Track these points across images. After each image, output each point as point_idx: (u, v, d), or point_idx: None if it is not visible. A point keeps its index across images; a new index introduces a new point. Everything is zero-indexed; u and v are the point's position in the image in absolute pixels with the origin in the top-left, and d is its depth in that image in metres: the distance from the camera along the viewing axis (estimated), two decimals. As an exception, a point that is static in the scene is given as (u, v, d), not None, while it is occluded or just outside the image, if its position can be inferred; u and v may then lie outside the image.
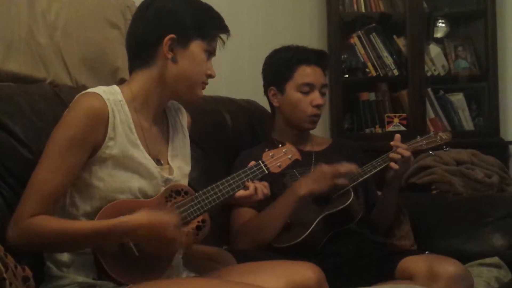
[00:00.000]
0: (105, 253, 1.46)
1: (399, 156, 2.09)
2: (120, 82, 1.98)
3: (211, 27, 1.60)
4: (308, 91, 2.20)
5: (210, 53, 1.61)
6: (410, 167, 2.15)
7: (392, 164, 2.10)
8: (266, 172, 1.69)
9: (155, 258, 1.51)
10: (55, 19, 2.05)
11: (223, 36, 1.63)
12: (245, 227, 2.06)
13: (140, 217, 1.43)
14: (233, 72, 2.83)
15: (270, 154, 1.72)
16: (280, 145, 1.76)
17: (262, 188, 1.66)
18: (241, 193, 1.64)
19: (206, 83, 1.63)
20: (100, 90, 1.53)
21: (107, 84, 1.61)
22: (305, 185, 2.01)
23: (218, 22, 1.62)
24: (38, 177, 1.46)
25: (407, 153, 2.09)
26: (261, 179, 1.69)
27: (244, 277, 1.52)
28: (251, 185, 1.64)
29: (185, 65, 1.57)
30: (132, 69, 1.63)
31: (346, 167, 2.02)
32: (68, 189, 1.50)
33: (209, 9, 1.62)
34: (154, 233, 1.43)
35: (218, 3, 1.69)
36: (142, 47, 1.59)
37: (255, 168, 1.67)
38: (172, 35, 1.55)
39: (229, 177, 1.63)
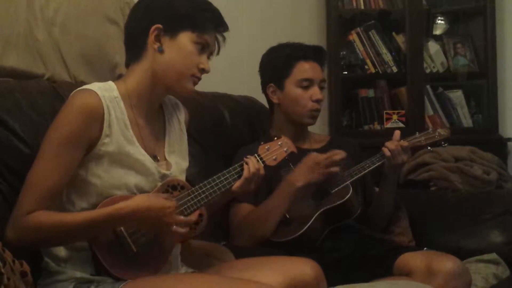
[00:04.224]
0: (103, 248, 1.46)
1: (393, 146, 2.10)
2: (119, 78, 1.98)
3: (201, 19, 1.58)
4: (307, 86, 2.21)
5: (203, 46, 1.59)
6: (406, 160, 2.15)
7: (384, 150, 2.11)
8: (262, 165, 1.68)
9: (153, 254, 1.51)
10: (53, 15, 2.04)
11: (219, 29, 1.62)
12: (244, 221, 2.07)
13: (138, 201, 1.45)
14: (232, 69, 2.83)
15: (266, 147, 1.72)
16: (275, 138, 1.75)
17: (253, 162, 1.66)
18: (237, 183, 1.63)
19: (198, 77, 1.60)
20: (95, 87, 1.53)
21: (106, 80, 1.61)
22: (301, 176, 2.02)
23: (210, 14, 1.60)
24: (34, 176, 1.46)
25: (398, 146, 2.10)
26: None
27: (243, 273, 1.52)
28: (245, 167, 1.64)
29: (172, 56, 1.56)
30: (127, 63, 1.63)
31: (338, 154, 2.02)
32: (65, 186, 1.50)
33: (202, 1, 1.61)
34: (152, 217, 1.44)
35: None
36: (133, 39, 1.60)
37: None
38: (158, 25, 1.55)
39: (225, 171, 1.63)
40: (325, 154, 2.03)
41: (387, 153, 2.11)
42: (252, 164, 1.65)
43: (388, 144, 2.13)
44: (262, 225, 2.03)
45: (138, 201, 1.45)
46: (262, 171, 1.68)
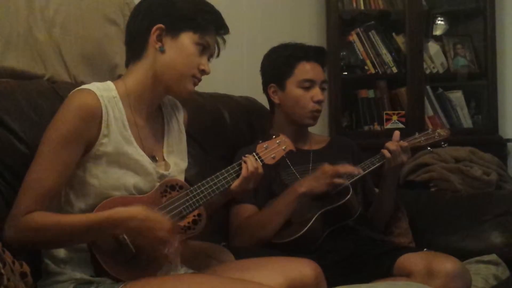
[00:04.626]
0: (102, 250, 1.46)
1: (394, 147, 2.10)
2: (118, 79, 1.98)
3: (204, 20, 1.58)
4: (308, 87, 2.21)
5: (204, 47, 1.59)
6: (405, 161, 2.15)
7: (385, 151, 2.11)
8: (260, 164, 1.68)
9: (152, 255, 1.51)
10: (53, 15, 2.05)
11: (220, 32, 1.62)
12: (245, 224, 2.07)
13: (135, 209, 1.44)
14: (232, 69, 2.83)
15: (264, 146, 1.71)
16: (274, 137, 1.75)
17: (251, 161, 1.65)
18: (236, 182, 1.63)
19: (198, 78, 1.61)
20: (94, 86, 1.53)
21: (106, 81, 1.60)
22: (305, 184, 2.02)
23: (212, 16, 1.60)
24: (32, 175, 1.46)
25: (397, 147, 2.10)
26: None
27: (243, 274, 1.53)
28: (243, 165, 1.64)
29: (173, 56, 1.56)
30: (127, 63, 1.63)
31: (346, 168, 2.02)
32: (63, 186, 1.50)
33: (204, 3, 1.62)
34: (147, 228, 1.43)
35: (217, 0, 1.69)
36: (134, 39, 1.60)
37: None
38: (160, 25, 1.55)
39: (223, 170, 1.63)
40: (335, 166, 2.03)
41: (387, 154, 2.11)
42: (250, 163, 1.65)
43: (388, 145, 2.13)
44: (264, 228, 2.03)
45: (137, 209, 1.44)
46: (260, 170, 1.67)
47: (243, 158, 1.66)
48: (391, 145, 2.12)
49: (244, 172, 1.64)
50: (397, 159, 2.12)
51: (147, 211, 1.45)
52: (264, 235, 2.03)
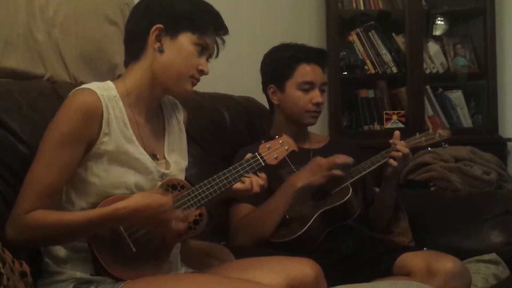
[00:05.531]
0: (102, 249, 1.46)
1: (399, 154, 2.09)
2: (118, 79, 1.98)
3: (203, 21, 1.58)
4: (308, 89, 2.20)
5: (203, 47, 1.59)
6: (408, 164, 2.15)
7: (391, 161, 2.11)
8: (263, 164, 1.67)
9: (152, 254, 1.51)
10: (53, 16, 2.05)
11: (219, 33, 1.62)
12: (244, 221, 2.07)
13: (136, 201, 1.44)
14: (232, 69, 2.83)
15: (267, 146, 1.71)
16: (276, 137, 1.75)
17: (257, 180, 1.64)
18: (238, 185, 1.62)
19: (197, 78, 1.61)
20: (94, 86, 1.53)
21: (105, 81, 1.61)
22: (302, 178, 2.03)
23: (211, 17, 1.60)
24: (33, 174, 1.47)
25: (406, 150, 2.10)
26: (259, 171, 1.68)
27: (243, 273, 1.52)
28: (246, 180, 1.62)
29: (172, 56, 1.57)
30: (126, 63, 1.63)
31: (341, 158, 2.03)
32: (64, 186, 1.50)
33: (203, 3, 1.62)
34: (151, 215, 1.44)
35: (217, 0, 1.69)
36: (133, 39, 1.60)
37: (251, 161, 1.65)
38: (159, 25, 1.55)
39: (225, 170, 1.62)
40: (328, 158, 2.03)
41: (393, 163, 2.10)
42: (256, 183, 1.64)
43: (400, 148, 2.10)
44: (262, 225, 2.03)
45: (137, 201, 1.44)
46: (265, 186, 1.67)
47: (250, 174, 1.64)
48: (403, 148, 2.10)
49: (247, 184, 1.62)
50: (407, 161, 2.12)
51: (146, 199, 1.45)
52: (262, 231, 2.02)
